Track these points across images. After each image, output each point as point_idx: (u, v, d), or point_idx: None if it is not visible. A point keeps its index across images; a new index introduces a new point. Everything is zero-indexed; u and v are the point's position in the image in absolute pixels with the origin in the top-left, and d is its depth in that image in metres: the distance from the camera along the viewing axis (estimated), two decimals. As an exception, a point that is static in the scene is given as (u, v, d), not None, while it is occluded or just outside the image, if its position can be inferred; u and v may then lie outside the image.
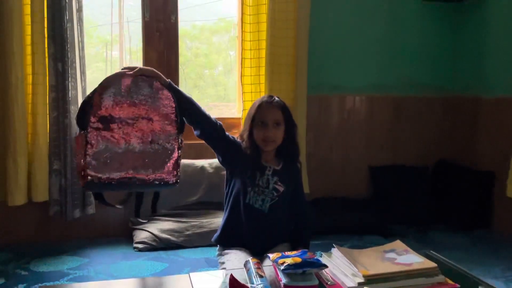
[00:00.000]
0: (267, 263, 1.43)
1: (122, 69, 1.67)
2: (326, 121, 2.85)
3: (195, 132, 1.81)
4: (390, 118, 2.96)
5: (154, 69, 1.71)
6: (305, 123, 2.65)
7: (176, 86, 1.73)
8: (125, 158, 1.57)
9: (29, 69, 2.25)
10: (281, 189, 1.80)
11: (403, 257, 1.40)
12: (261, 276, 1.28)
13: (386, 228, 2.55)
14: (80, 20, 2.28)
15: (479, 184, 2.71)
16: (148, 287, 1.40)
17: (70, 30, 2.22)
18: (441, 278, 1.34)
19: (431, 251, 1.59)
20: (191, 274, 1.41)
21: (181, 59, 2.70)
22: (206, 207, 2.47)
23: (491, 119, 2.76)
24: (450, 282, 1.34)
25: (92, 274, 1.94)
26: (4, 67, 2.16)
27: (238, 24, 2.70)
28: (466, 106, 2.93)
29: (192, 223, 2.32)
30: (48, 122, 2.27)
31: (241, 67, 2.60)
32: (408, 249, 1.46)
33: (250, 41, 2.57)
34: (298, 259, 1.26)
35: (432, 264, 1.36)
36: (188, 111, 1.74)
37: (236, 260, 1.69)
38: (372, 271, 1.30)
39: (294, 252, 1.33)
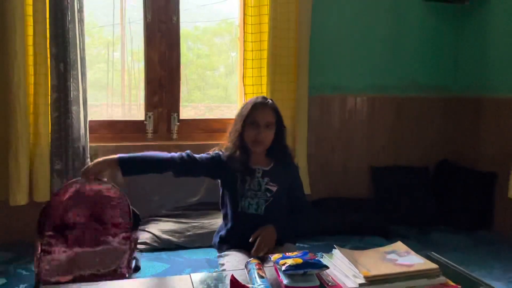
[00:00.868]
0: (268, 264, 1.43)
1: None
2: (327, 121, 2.85)
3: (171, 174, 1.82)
4: (392, 119, 2.96)
5: (99, 161, 1.71)
6: (307, 123, 2.65)
7: (125, 155, 1.73)
8: (78, 259, 1.67)
9: (31, 70, 2.25)
10: (274, 188, 1.81)
11: (404, 258, 1.40)
12: (262, 277, 1.28)
13: (388, 229, 2.54)
14: (81, 21, 2.29)
15: (480, 185, 2.71)
16: (149, 287, 1.40)
17: (71, 30, 2.23)
18: (442, 279, 1.33)
19: (432, 252, 1.59)
20: (192, 274, 1.41)
21: (182, 60, 2.70)
22: (207, 207, 2.48)
23: (493, 120, 2.75)
24: (452, 283, 1.33)
25: (93, 275, 1.93)
26: (6, 67, 2.17)
27: (240, 25, 2.70)
28: (468, 107, 2.93)
29: (193, 224, 2.33)
30: (49, 122, 2.28)
31: (243, 68, 2.60)
32: (409, 250, 1.46)
33: (252, 42, 2.57)
34: (299, 260, 1.26)
35: (433, 265, 1.36)
36: (148, 169, 1.78)
37: (235, 261, 1.69)
38: (373, 272, 1.30)
39: (295, 253, 1.33)
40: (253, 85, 2.60)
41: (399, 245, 1.50)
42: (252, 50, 2.58)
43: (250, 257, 1.68)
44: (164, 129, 2.64)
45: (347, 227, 2.53)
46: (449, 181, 2.86)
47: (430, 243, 2.42)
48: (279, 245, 1.78)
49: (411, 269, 1.33)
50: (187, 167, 1.80)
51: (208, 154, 1.86)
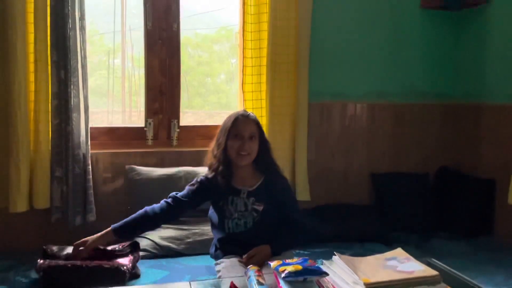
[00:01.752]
0: (268, 270, 1.42)
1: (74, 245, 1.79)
2: (327, 128, 2.85)
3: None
4: (392, 126, 2.96)
5: (94, 239, 1.78)
6: (307, 130, 2.66)
7: (117, 225, 1.80)
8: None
9: (31, 77, 2.26)
10: (260, 208, 1.82)
11: (405, 265, 1.40)
12: (261, 284, 1.28)
13: (388, 236, 2.54)
14: (82, 28, 2.30)
15: (480, 192, 2.71)
16: (149, 294, 1.40)
17: (72, 38, 2.24)
18: (442, 286, 1.33)
19: (433, 259, 1.59)
20: (191, 282, 1.41)
21: (183, 67, 2.72)
22: (207, 214, 2.47)
23: (492, 126, 2.76)
24: (452, 290, 1.33)
25: (93, 282, 1.93)
26: (7, 74, 2.18)
27: (240, 32, 2.71)
28: (467, 113, 2.94)
29: (193, 231, 2.32)
30: (50, 129, 2.28)
31: (242, 75, 2.61)
32: (410, 257, 1.46)
33: (251, 49, 2.58)
34: (299, 267, 1.26)
35: (434, 272, 1.35)
36: (141, 230, 1.90)
37: (230, 267, 1.71)
38: (373, 279, 1.29)
39: (295, 260, 1.33)
40: (252, 91, 2.61)
41: (399, 252, 1.50)
42: (251, 57, 2.59)
43: (243, 262, 1.72)
44: (164, 136, 2.64)
45: (347, 233, 2.52)
46: (449, 187, 2.86)
47: (431, 249, 2.41)
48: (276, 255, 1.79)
49: (412, 276, 1.33)
50: (176, 212, 1.89)
51: (192, 185, 1.88)
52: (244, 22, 2.59)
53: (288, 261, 1.32)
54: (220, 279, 1.65)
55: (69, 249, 1.88)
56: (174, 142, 2.62)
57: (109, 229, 1.78)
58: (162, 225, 2.15)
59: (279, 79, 2.59)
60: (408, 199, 2.79)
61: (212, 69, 3.14)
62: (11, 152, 2.20)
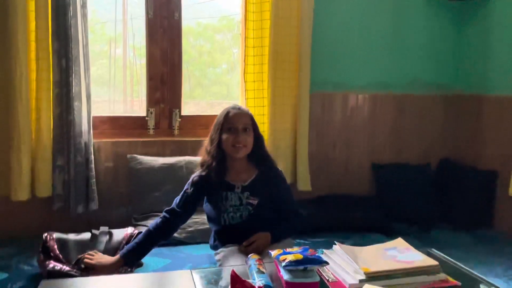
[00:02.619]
0: (268, 259, 1.43)
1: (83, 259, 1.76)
2: (329, 118, 2.85)
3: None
4: (393, 116, 2.95)
5: (104, 268, 1.72)
6: (308, 120, 2.65)
7: (125, 251, 1.76)
8: None
9: (33, 65, 2.25)
10: (254, 202, 1.83)
11: (405, 255, 1.41)
12: (262, 272, 1.28)
13: (388, 226, 2.54)
14: (84, 16, 2.29)
15: (481, 183, 2.71)
16: (150, 282, 1.41)
17: (74, 26, 2.23)
18: (442, 276, 1.34)
19: (433, 249, 1.60)
20: (192, 270, 1.42)
21: (185, 57, 2.70)
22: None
23: (495, 118, 2.75)
24: (452, 280, 1.34)
25: (95, 270, 1.94)
26: (8, 63, 2.17)
27: (241, 21, 2.70)
28: (470, 104, 2.93)
29: (195, 220, 2.32)
30: (51, 118, 2.28)
31: (244, 64, 2.60)
32: (410, 247, 1.46)
33: (253, 38, 2.57)
34: (300, 256, 1.27)
35: (434, 262, 1.36)
36: (149, 250, 1.81)
37: (230, 255, 1.73)
38: (373, 268, 1.30)
39: (295, 249, 1.33)
40: (254, 81, 2.60)
41: (399, 242, 1.51)
42: (253, 47, 2.58)
43: (242, 249, 1.73)
44: (166, 125, 2.64)
45: (348, 224, 2.53)
46: (450, 179, 2.86)
47: (431, 240, 2.42)
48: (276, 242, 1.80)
49: (411, 265, 1.34)
50: (177, 223, 1.88)
51: (186, 191, 1.87)
52: (246, 10, 2.58)
53: (288, 250, 1.33)
54: (222, 268, 1.66)
55: (71, 239, 1.89)
56: (176, 132, 2.62)
57: (118, 257, 1.74)
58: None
59: (281, 69, 2.58)
60: (409, 190, 2.80)
61: (214, 59, 3.12)
62: (13, 141, 2.20)
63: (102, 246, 1.89)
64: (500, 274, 2.00)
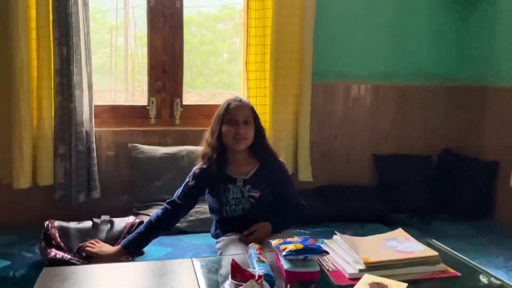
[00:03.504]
0: (269, 248, 1.44)
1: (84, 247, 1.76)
2: (330, 109, 2.84)
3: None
4: (395, 107, 2.94)
5: (108, 256, 1.73)
6: (310, 110, 2.64)
7: (126, 241, 1.77)
8: None
9: (34, 54, 2.24)
10: (256, 195, 1.83)
11: (405, 245, 1.41)
12: (262, 262, 1.29)
13: (389, 217, 2.55)
14: (85, 4, 2.27)
15: (483, 174, 2.71)
16: (151, 270, 1.42)
17: (75, 14, 2.21)
18: (442, 266, 1.34)
19: (433, 240, 1.60)
20: (193, 259, 1.43)
21: (186, 46, 2.69)
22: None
23: (497, 109, 2.74)
24: (451, 270, 1.34)
25: (96, 258, 1.95)
26: (9, 51, 2.16)
27: (244, 10, 2.68)
28: (472, 95, 2.91)
29: (196, 209, 2.32)
30: (53, 107, 2.28)
31: (246, 54, 2.58)
32: (410, 237, 1.47)
33: (256, 27, 2.55)
34: (300, 245, 1.27)
35: (434, 253, 1.36)
36: (151, 240, 1.82)
37: (231, 244, 1.74)
38: (373, 259, 1.31)
39: (296, 239, 1.34)
40: (256, 71, 2.59)
41: (400, 232, 1.51)
42: (255, 36, 2.56)
43: (243, 238, 1.74)
44: (167, 115, 2.64)
45: (349, 214, 2.54)
46: (451, 170, 2.85)
47: (431, 231, 2.42)
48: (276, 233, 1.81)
49: (411, 256, 1.34)
50: (178, 215, 1.89)
51: (189, 184, 1.86)
52: (248, -1, 2.56)
53: (289, 239, 1.34)
54: (222, 256, 1.67)
55: (72, 228, 1.90)
56: (177, 121, 2.62)
57: (119, 247, 1.75)
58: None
59: (283, 58, 2.57)
60: (410, 181, 2.80)
61: (215, 48, 3.11)
62: (14, 129, 2.20)
63: (103, 235, 1.90)
64: (500, 265, 2.01)
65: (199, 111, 2.69)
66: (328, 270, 1.34)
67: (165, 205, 1.86)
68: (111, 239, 1.88)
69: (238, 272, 1.11)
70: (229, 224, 1.85)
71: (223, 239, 1.81)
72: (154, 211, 2.33)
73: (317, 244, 1.31)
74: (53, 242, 1.83)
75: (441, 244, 1.56)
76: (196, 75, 3.08)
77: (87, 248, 1.74)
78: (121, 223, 1.97)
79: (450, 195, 2.76)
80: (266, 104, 2.59)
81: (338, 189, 2.73)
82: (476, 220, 2.61)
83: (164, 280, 1.31)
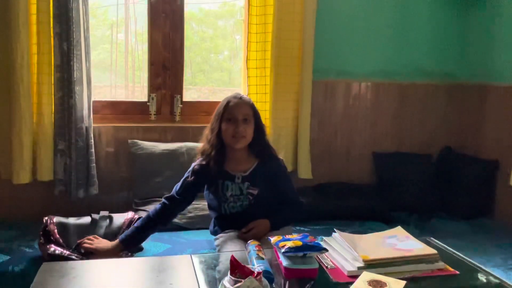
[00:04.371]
0: (268, 245, 1.44)
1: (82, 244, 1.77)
2: (331, 106, 2.84)
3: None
4: (396, 105, 2.94)
5: (106, 252, 1.73)
6: (310, 108, 2.64)
7: (124, 236, 1.77)
8: None
9: (34, 49, 2.24)
10: (254, 192, 1.83)
11: (404, 243, 1.41)
12: (261, 258, 1.29)
13: (388, 215, 2.55)
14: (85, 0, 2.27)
15: (483, 173, 2.71)
16: (150, 266, 1.42)
17: (75, 9, 2.21)
18: (441, 264, 1.34)
19: (432, 238, 1.60)
20: (192, 255, 1.43)
21: (187, 43, 2.68)
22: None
23: (498, 107, 2.73)
24: (450, 269, 1.34)
25: (95, 254, 1.95)
26: (9, 46, 2.16)
27: (245, 7, 2.67)
28: (473, 94, 2.91)
29: (195, 205, 2.33)
30: (53, 102, 2.28)
31: (247, 51, 2.58)
32: (409, 235, 1.47)
33: (257, 24, 2.55)
34: (299, 243, 1.27)
35: (432, 251, 1.36)
36: (148, 235, 1.82)
37: (229, 241, 1.74)
38: (372, 256, 1.31)
39: (295, 236, 1.34)
40: (256, 68, 2.58)
41: (399, 230, 1.51)
42: (256, 33, 2.55)
43: (241, 235, 1.74)
44: (167, 111, 2.63)
45: (348, 212, 2.54)
46: (451, 168, 2.85)
47: (431, 229, 2.42)
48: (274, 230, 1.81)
49: (410, 254, 1.34)
50: (176, 210, 1.89)
51: (187, 179, 1.85)
52: (249, -4, 2.55)
53: (288, 236, 1.34)
54: (221, 253, 1.67)
55: (71, 223, 1.90)
56: (177, 118, 2.62)
57: (117, 242, 1.75)
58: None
59: (284, 55, 2.56)
60: (410, 179, 2.79)
61: (216, 45, 3.10)
62: (14, 125, 2.20)
63: (102, 231, 1.90)
64: (499, 264, 2.01)
65: (199, 108, 2.69)
66: (327, 267, 1.34)
67: (163, 200, 1.86)
68: (110, 235, 1.88)
69: (237, 268, 1.11)
70: (228, 221, 1.86)
71: (222, 236, 1.82)
72: (154, 207, 2.35)
73: (316, 241, 1.31)
74: (52, 237, 1.83)
75: (440, 243, 1.56)
76: (196, 72, 3.08)
77: (84, 244, 1.75)
78: (120, 219, 1.98)
79: (450, 193, 2.76)
80: (266, 101, 2.59)
81: (338, 187, 2.73)
82: (475, 219, 2.61)
83: (163, 276, 1.31)
